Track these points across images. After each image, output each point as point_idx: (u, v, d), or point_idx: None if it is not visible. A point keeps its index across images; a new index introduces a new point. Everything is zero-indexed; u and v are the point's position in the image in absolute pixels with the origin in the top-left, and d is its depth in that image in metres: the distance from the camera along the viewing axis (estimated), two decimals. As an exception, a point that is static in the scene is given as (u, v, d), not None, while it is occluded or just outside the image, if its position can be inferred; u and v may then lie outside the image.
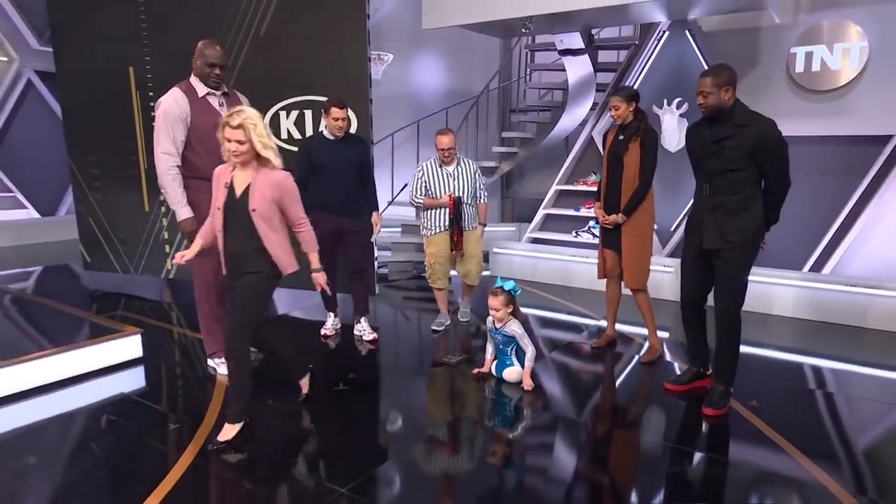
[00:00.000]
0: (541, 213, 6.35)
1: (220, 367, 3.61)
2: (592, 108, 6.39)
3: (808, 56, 5.02)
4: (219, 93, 3.49)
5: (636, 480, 2.65)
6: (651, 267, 3.82)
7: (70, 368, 3.53)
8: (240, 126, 2.60)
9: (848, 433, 3.00)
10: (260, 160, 2.70)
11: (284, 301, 5.36)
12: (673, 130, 5.44)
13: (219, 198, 2.77)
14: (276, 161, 2.72)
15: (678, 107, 5.44)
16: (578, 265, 5.64)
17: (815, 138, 5.06)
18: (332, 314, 4.42)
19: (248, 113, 2.65)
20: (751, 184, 2.92)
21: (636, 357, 3.95)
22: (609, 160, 3.74)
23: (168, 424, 3.04)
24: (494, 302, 3.40)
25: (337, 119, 3.88)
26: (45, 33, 8.22)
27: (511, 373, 3.45)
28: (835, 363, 3.92)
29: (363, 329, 4.31)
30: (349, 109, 4.50)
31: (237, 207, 2.72)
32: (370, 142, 4.71)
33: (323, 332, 4.36)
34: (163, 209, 5.37)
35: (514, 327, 3.41)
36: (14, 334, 4.15)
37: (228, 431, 2.76)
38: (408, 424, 3.20)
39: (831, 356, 4.02)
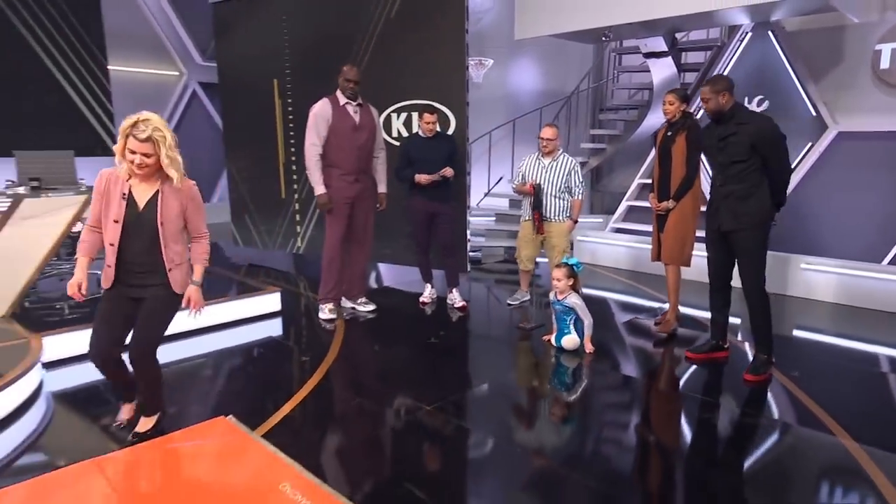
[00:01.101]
0: (624, 204, 6.66)
1: (324, 312, 4.55)
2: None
3: (895, 53, 4.95)
4: (354, 103, 4.33)
5: (676, 429, 3.06)
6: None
7: (230, 314, 4.48)
8: (148, 139, 2.32)
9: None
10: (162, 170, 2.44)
11: (388, 275, 6.15)
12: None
13: (115, 210, 2.43)
14: (181, 173, 2.48)
15: (759, 104, 5.54)
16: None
17: (901, 133, 4.99)
18: (428, 285, 5.09)
19: (156, 123, 2.36)
20: (755, 172, 3.25)
21: (707, 340, 4.22)
22: (660, 155, 4.08)
23: (300, 357, 3.87)
24: (557, 273, 3.84)
25: (427, 122, 4.59)
26: (207, 50, 9.65)
27: (568, 340, 3.81)
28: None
29: (454, 298, 4.93)
30: (448, 110, 5.19)
31: (142, 221, 2.45)
32: (466, 139, 5.31)
33: (421, 299, 5.04)
34: (295, 195, 6.32)
35: (574, 299, 3.82)
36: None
37: (145, 424, 2.69)
38: (483, 368, 3.81)
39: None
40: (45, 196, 4.01)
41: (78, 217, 4.12)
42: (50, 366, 3.46)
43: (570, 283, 3.84)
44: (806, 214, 5.34)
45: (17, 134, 6.77)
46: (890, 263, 4.94)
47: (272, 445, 2.60)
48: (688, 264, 4.09)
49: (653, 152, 6.32)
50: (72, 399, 3.21)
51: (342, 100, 4.33)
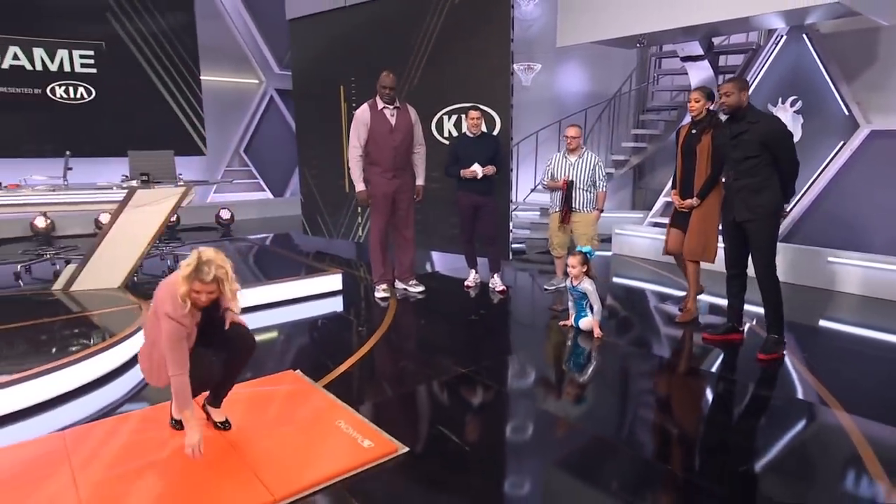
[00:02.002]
0: (661, 200, 6.74)
1: (379, 291, 4.97)
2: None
3: (929, 53, 4.86)
4: (391, 106, 4.68)
5: (689, 399, 3.28)
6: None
7: (300, 291, 4.97)
8: (214, 280, 2.24)
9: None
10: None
11: (439, 262, 6.52)
12: (787, 125, 5.53)
13: (192, 339, 2.37)
14: (238, 301, 2.41)
15: (792, 104, 5.53)
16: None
17: (935, 132, 4.89)
18: (473, 271, 5.40)
19: (217, 261, 2.25)
20: (766, 167, 3.37)
21: (724, 323, 4.35)
22: (683, 152, 4.08)
23: (357, 327, 4.31)
24: (572, 260, 3.96)
25: (472, 119, 4.87)
26: (284, 60, 10.33)
27: (585, 322, 3.98)
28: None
29: (496, 283, 5.21)
30: (494, 112, 5.47)
31: (210, 321, 2.44)
32: (510, 139, 5.58)
33: (466, 283, 5.37)
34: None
35: (587, 285, 3.92)
36: (263, 269, 5.80)
37: (222, 414, 2.69)
38: (514, 342, 4.14)
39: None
40: (152, 188, 4.60)
41: (178, 206, 4.70)
42: (156, 327, 4.04)
43: (585, 269, 3.96)
44: (837, 210, 5.31)
45: (129, 136, 7.62)
46: (920, 258, 4.87)
47: (331, 393, 3.03)
48: (712, 261, 4.04)
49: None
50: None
51: (380, 104, 4.69)
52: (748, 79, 5.89)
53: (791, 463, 2.49)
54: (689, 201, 4.06)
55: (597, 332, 3.93)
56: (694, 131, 4.04)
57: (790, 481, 2.33)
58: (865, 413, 2.81)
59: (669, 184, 6.59)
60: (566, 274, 5.24)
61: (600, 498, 2.24)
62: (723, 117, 3.65)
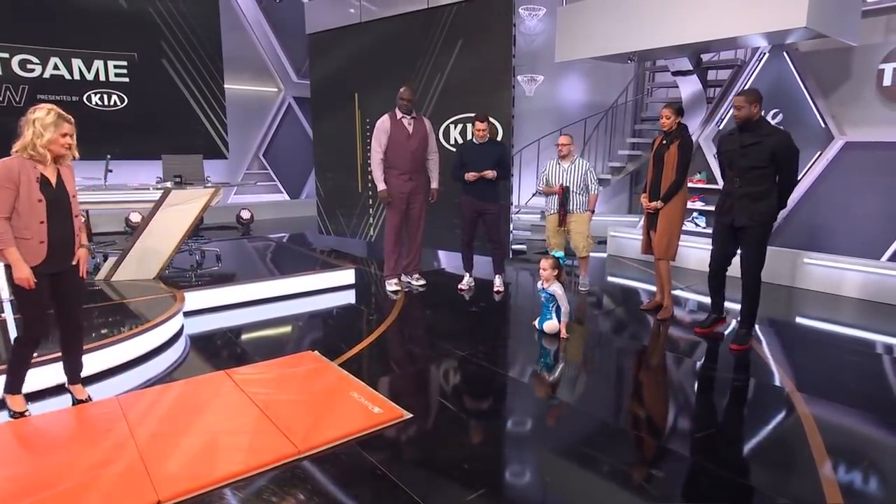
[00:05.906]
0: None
1: (390, 285, 5.29)
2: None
3: (896, 71, 5.15)
4: (409, 116, 5.05)
5: (670, 381, 3.61)
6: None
7: (316, 284, 5.34)
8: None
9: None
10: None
11: (444, 261, 6.87)
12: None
13: (33, 192, 2.55)
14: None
15: (773, 117, 5.83)
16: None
17: (904, 144, 5.17)
18: (467, 275, 5.50)
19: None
20: (769, 178, 3.57)
21: (709, 315, 4.63)
22: (654, 160, 4.36)
23: (368, 315, 4.68)
24: (544, 263, 4.04)
25: (479, 129, 5.05)
26: (301, 70, 10.73)
27: (549, 325, 4.04)
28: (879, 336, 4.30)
29: (497, 283, 5.44)
30: (496, 121, 5.80)
31: (59, 196, 2.65)
32: (510, 146, 5.91)
33: (459, 286, 5.44)
34: (369, 192, 7.17)
35: (556, 288, 3.99)
36: (282, 263, 6.17)
37: (82, 392, 2.99)
38: (509, 331, 4.47)
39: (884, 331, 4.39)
40: (185, 189, 4.99)
41: (207, 206, 5.09)
42: (186, 315, 4.41)
43: (556, 273, 4.02)
44: (814, 215, 5.59)
45: (158, 141, 8.05)
46: (888, 260, 5.15)
47: (345, 370, 3.39)
48: (673, 258, 4.38)
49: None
50: (202, 338, 4.15)
51: (399, 114, 5.08)
52: (733, 93, 6.19)
53: (751, 431, 2.82)
54: (654, 203, 4.31)
55: (563, 334, 4.00)
56: (665, 142, 4.30)
57: (748, 445, 2.67)
58: (816, 393, 3.13)
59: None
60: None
61: (568, 449, 2.59)
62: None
